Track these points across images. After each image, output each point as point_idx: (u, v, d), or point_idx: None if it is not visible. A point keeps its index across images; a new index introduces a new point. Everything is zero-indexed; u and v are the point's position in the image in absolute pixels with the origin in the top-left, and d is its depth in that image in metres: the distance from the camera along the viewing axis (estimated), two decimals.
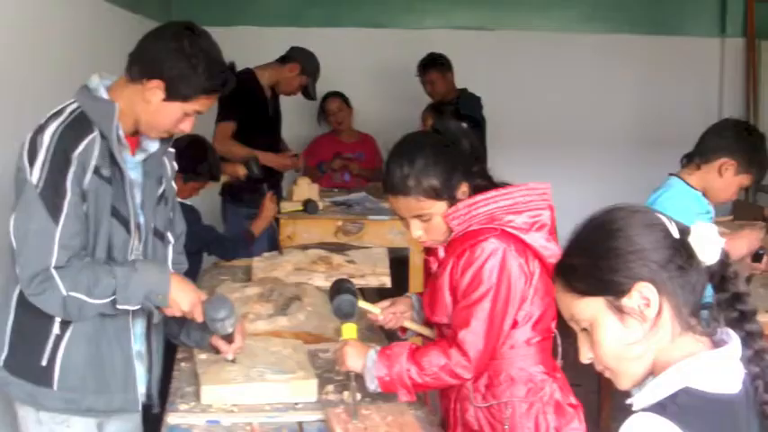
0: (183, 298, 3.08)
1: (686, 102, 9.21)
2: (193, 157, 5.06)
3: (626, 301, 1.86)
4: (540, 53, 9.16)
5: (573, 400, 3.17)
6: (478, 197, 3.06)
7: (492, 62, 9.05)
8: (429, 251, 3.24)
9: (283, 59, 7.03)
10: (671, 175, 4.27)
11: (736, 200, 5.06)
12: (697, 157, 4.21)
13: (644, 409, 1.80)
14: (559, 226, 2.97)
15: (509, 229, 3.03)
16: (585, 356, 1.96)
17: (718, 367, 1.82)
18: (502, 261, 3.00)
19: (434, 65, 8.02)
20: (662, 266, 1.86)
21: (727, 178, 4.14)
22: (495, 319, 3.00)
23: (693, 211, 4.06)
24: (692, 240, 1.89)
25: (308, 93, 7.20)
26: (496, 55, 9.11)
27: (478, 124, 7.68)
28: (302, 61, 7.01)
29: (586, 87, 9.22)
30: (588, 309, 1.91)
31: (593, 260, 1.90)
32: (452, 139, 3.15)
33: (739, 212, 7.15)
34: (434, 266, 3.18)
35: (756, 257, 4.30)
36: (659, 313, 1.86)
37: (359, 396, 3.10)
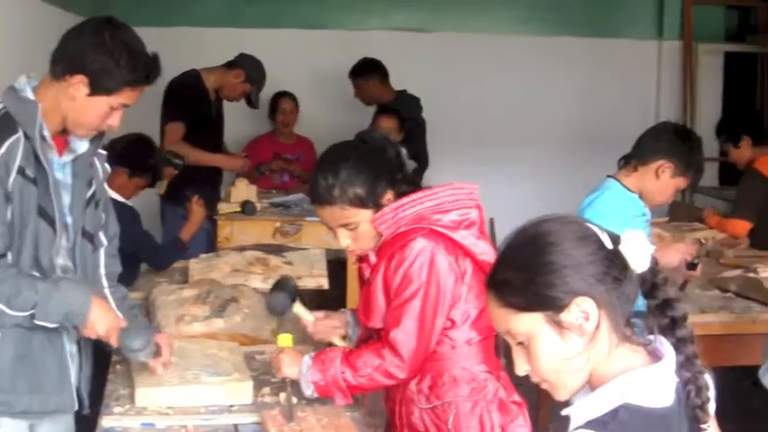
0: (101, 322, 3.06)
1: (624, 104, 9.29)
2: (140, 153, 5.14)
3: (565, 316, 1.84)
4: (479, 55, 9.18)
5: (517, 397, 3.18)
6: (404, 200, 3.07)
7: (431, 63, 9.07)
8: (361, 258, 3.23)
9: (230, 65, 6.98)
10: (608, 176, 4.29)
11: (673, 201, 5.11)
12: (634, 159, 4.23)
13: (583, 426, 1.79)
14: (499, 226, 2.97)
15: (437, 228, 3.04)
16: (521, 369, 1.93)
17: (654, 382, 1.82)
18: (431, 259, 3.00)
19: (359, 72, 7.98)
20: (598, 280, 1.84)
21: (663, 181, 4.17)
22: (426, 317, 3.01)
23: (629, 213, 4.08)
24: (623, 249, 1.88)
25: (250, 101, 7.16)
26: (436, 56, 9.12)
27: (419, 125, 7.69)
28: (248, 69, 6.97)
29: (525, 89, 9.25)
30: (525, 324, 1.88)
31: (529, 275, 1.86)
32: (377, 148, 3.16)
33: (675, 214, 7.22)
34: (367, 272, 3.18)
35: (691, 266, 4.36)
36: (597, 326, 1.85)
37: (295, 400, 3.09)
